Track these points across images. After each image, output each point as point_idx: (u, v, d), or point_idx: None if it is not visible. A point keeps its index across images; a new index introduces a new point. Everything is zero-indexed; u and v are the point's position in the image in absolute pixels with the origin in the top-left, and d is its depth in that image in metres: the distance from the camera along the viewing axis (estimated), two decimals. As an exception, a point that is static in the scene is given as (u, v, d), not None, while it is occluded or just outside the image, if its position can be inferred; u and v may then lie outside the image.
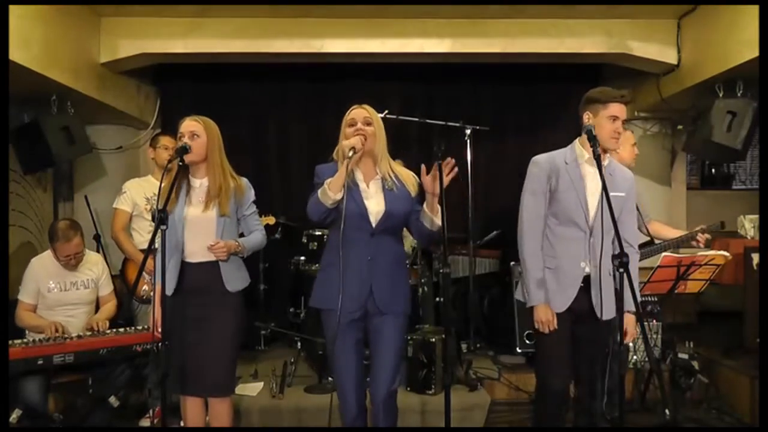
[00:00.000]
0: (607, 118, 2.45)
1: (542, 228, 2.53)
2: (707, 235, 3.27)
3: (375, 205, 2.42)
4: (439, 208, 2.37)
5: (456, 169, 2.31)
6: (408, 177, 2.53)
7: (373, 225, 2.41)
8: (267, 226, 3.87)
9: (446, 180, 2.29)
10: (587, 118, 2.50)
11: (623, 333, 2.46)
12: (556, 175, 2.51)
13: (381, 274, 2.43)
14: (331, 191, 2.31)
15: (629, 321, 2.49)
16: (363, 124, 2.42)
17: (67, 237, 3.22)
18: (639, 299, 2.19)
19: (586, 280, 2.48)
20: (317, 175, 2.46)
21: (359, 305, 2.41)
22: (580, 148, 2.54)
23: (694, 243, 3.29)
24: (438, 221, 2.40)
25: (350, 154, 2.31)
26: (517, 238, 2.58)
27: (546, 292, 2.48)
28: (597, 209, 2.47)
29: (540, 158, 2.58)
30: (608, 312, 2.44)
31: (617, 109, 2.46)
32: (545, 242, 2.54)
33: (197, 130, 2.59)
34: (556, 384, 2.53)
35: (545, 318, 2.47)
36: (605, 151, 2.49)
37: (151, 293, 3.53)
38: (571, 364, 2.55)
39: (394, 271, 2.48)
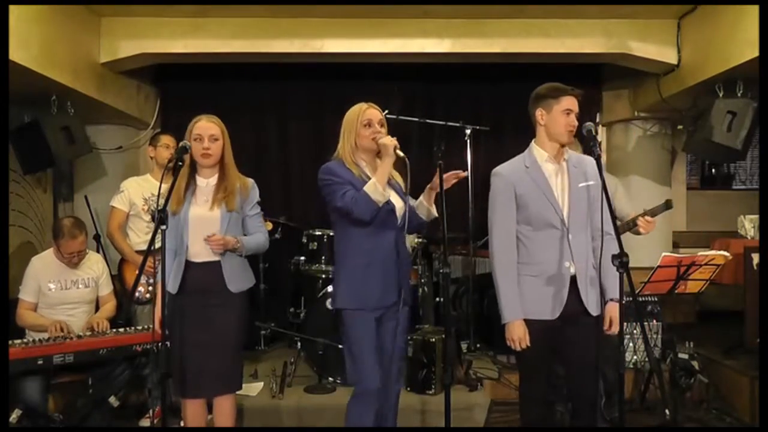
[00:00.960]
0: (560, 112, 2.40)
1: (514, 240, 2.46)
2: (648, 217, 3.08)
3: (397, 201, 2.47)
4: (432, 199, 2.50)
5: (462, 173, 2.44)
6: (397, 174, 2.59)
7: (398, 220, 2.47)
8: None
9: (451, 182, 2.42)
10: (540, 115, 2.45)
11: (610, 324, 2.40)
12: (519, 181, 2.44)
13: (405, 267, 2.53)
14: (383, 190, 2.35)
15: (613, 310, 2.40)
16: (379, 125, 2.47)
17: (73, 234, 3.23)
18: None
19: (573, 279, 2.40)
20: (334, 174, 2.42)
21: (392, 299, 2.45)
22: (537, 149, 2.48)
23: (637, 228, 3.11)
24: (434, 212, 2.52)
25: (399, 152, 2.37)
26: (489, 253, 2.50)
27: (521, 308, 2.39)
28: (569, 205, 2.43)
29: (500, 169, 2.52)
30: (597, 307, 2.42)
31: (570, 103, 2.40)
32: (523, 251, 2.45)
33: (216, 133, 2.61)
34: (537, 397, 2.53)
35: (517, 336, 2.38)
36: (562, 145, 2.45)
37: (147, 295, 3.54)
38: (551, 377, 2.56)
39: (410, 264, 2.62)
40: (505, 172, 2.49)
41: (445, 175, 2.40)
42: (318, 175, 2.46)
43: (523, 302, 2.41)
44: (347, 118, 2.50)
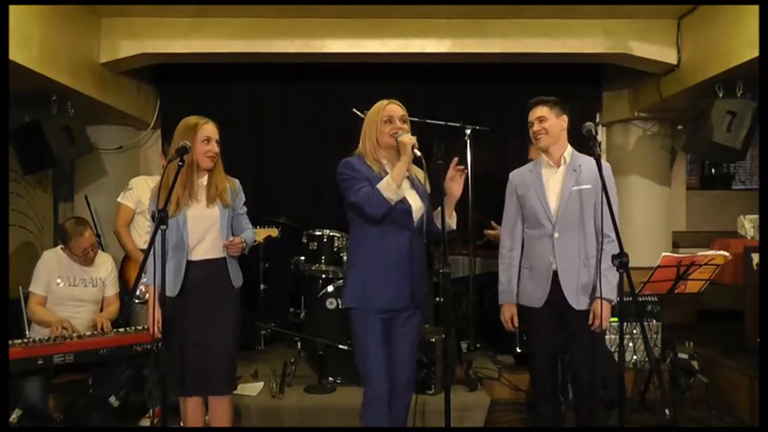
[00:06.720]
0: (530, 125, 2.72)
1: (514, 234, 2.77)
2: None
3: (414, 202, 2.43)
4: (454, 212, 2.47)
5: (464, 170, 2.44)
6: (420, 173, 2.55)
7: (415, 221, 2.43)
8: (269, 237, 3.91)
9: (461, 183, 2.43)
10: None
11: (593, 319, 2.55)
12: (521, 183, 2.75)
13: (419, 271, 2.46)
14: (398, 187, 2.33)
15: (597, 307, 2.56)
16: (400, 122, 2.45)
17: (79, 232, 3.30)
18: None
19: (555, 275, 2.61)
20: (352, 168, 2.40)
21: (403, 302, 2.40)
22: (541, 155, 2.75)
23: None
24: (453, 224, 2.50)
25: (417, 151, 2.33)
26: None
27: (511, 292, 2.74)
28: (558, 206, 2.63)
29: (512, 173, 2.84)
30: (581, 303, 2.58)
31: (531, 115, 2.71)
32: (524, 245, 2.75)
33: (217, 137, 2.68)
34: (544, 392, 2.72)
35: (504, 317, 2.75)
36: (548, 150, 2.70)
37: (146, 294, 3.54)
38: (556, 361, 2.75)
39: (425, 269, 2.54)
40: (513, 176, 2.83)
41: (448, 176, 2.41)
42: (337, 169, 2.44)
43: (519, 291, 2.75)
44: (370, 115, 2.50)
